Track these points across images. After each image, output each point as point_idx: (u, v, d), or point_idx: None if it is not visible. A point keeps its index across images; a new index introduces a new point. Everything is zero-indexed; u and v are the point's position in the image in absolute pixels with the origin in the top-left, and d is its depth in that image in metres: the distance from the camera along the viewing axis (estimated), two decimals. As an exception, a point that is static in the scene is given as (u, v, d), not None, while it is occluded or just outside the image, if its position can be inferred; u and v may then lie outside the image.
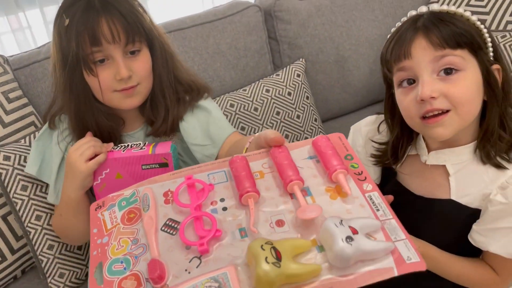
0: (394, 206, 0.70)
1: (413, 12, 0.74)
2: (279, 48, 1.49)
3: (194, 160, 0.96)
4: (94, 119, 0.87)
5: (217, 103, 1.30)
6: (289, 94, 1.36)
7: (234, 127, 1.29)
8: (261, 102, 1.33)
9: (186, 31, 1.35)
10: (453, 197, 0.75)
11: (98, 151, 0.84)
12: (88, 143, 0.84)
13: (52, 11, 1.61)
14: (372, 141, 0.86)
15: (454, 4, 1.48)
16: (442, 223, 0.77)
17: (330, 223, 0.46)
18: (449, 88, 0.68)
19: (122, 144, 0.88)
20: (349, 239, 0.45)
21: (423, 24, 0.69)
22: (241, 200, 0.54)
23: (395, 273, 0.44)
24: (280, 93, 1.35)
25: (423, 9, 0.73)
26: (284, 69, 1.41)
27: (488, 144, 0.71)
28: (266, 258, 0.43)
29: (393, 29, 0.76)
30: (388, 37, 0.76)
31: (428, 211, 0.78)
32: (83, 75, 0.82)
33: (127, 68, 0.81)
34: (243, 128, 1.30)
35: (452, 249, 0.78)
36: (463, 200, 0.74)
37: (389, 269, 0.45)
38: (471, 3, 1.43)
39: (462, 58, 0.68)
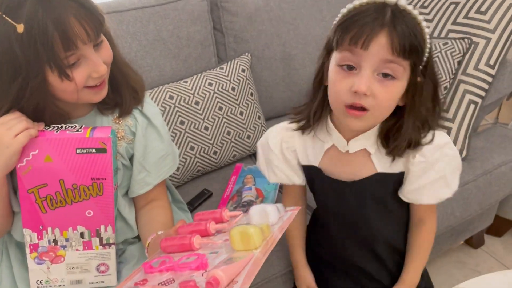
0: (332, 199, 0.86)
1: None
2: (225, 41, 1.42)
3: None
4: (48, 114, 0.78)
5: (155, 94, 1.21)
6: (233, 89, 1.30)
7: (173, 120, 1.21)
8: (203, 95, 1.25)
9: (124, 14, 1.24)
10: (379, 171, 0.81)
11: (30, 126, 0.74)
12: (19, 118, 0.74)
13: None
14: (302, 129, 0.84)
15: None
16: (378, 196, 0.83)
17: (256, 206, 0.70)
18: (380, 91, 0.70)
19: (56, 125, 0.79)
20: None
21: (389, 22, 0.68)
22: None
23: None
24: (224, 87, 1.29)
25: (392, 0, 0.70)
26: (229, 62, 1.34)
27: (390, 142, 0.78)
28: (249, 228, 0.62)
29: (356, 2, 0.72)
30: (348, 8, 0.73)
31: (363, 191, 0.83)
32: (45, 81, 0.72)
33: (102, 63, 0.74)
34: (182, 122, 1.22)
35: (395, 212, 0.87)
36: (388, 170, 0.81)
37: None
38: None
39: (403, 69, 0.70)
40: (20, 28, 0.66)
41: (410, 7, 0.70)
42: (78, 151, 0.76)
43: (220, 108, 1.27)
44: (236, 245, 0.62)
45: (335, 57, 0.74)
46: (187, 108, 1.22)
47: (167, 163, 0.90)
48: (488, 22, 1.31)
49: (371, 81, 0.69)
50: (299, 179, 0.89)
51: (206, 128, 1.25)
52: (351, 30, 0.69)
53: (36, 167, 0.76)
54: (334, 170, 0.84)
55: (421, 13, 0.71)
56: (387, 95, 0.71)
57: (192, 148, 1.23)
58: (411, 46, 0.68)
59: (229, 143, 1.29)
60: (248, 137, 1.33)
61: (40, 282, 0.82)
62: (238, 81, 1.32)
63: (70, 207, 0.79)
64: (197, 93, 1.24)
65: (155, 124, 0.88)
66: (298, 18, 1.49)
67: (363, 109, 0.71)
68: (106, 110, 0.85)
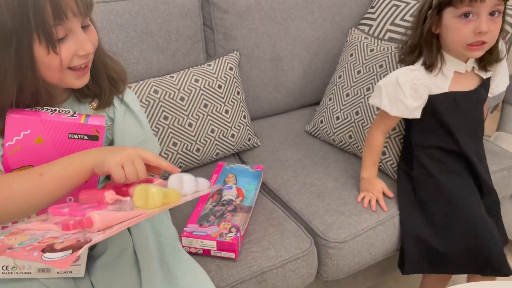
0: (456, 112, 1.11)
1: None
2: (214, 38, 1.41)
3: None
4: (31, 96, 0.76)
5: (140, 87, 1.20)
6: (220, 87, 1.29)
7: (157, 115, 1.20)
8: (189, 91, 1.24)
9: (113, 5, 1.22)
10: (484, 77, 1.13)
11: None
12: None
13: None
14: (428, 69, 1.08)
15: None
16: (484, 98, 1.17)
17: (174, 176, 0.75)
18: (493, 26, 0.99)
19: (50, 108, 0.78)
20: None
21: None
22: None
23: None
24: (210, 84, 1.28)
25: None
26: (217, 60, 1.33)
27: (485, 60, 1.10)
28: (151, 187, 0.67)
29: None
30: None
31: (479, 96, 1.13)
32: (33, 52, 0.71)
33: (90, 42, 0.74)
34: (166, 118, 1.20)
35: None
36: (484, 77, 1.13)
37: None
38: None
39: (502, 6, 0.99)
40: None
41: None
42: (70, 135, 0.76)
43: (205, 105, 1.26)
44: (137, 202, 0.67)
45: (451, 11, 1.00)
46: (172, 103, 1.21)
47: (147, 147, 0.88)
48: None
49: (488, 22, 0.97)
50: (418, 112, 1.10)
51: (190, 125, 1.24)
52: None
53: (25, 147, 0.75)
54: (458, 88, 1.10)
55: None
56: (497, 28, 1.00)
57: (174, 144, 1.22)
58: None
59: (212, 141, 1.28)
60: (232, 135, 1.32)
61: (6, 268, 0.79)
62: (225, 79, 1.31)
63: None
64: (183, 89, 1.23)
65: (133, 109, 0.88)
66: (289, 19, 1.48)
67: (483, 42, 0.99)
68: (84, 98, 0.85)
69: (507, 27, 1.30)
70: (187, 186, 0.74)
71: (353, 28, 1.52)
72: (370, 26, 1.54)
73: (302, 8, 1.50)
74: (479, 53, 1.03)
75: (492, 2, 0.95)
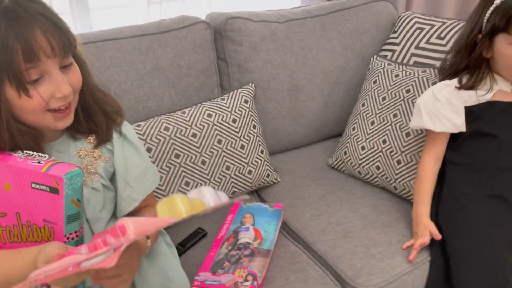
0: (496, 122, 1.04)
1: None
2: (228, 71, 1.36)
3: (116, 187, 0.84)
4: (12, 138, 0.72)
5: (150, 125, 1.14)
6: (234, 121, 1.22)
7: (168, 153, 1.13)
8: (201, 127, 1.17)
9: (122, 42, 1.19)
10: None
11: None
12: None
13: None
14: (463, 87, 1.05)
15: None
16: None
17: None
18: None
19: (28, 152, 0.72)
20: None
21: None
22: None
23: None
24: (224, 119, 1.21)
25: None
26: (231, 93, 1.27)
27: None
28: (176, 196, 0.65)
29: (499, 1, 0.95)
30: (493, 6, 0.97)
31: None
32: (5, 95, 0.68)
33: (68, 84, 0.71)
34: (177, 156, 1.14)
35: None
36: None
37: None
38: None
39: None
40: None
41: None
42: (33, 185, 0.68)
43: (219, 141, 1.19)
44: (162, 215, 0.63)
45: (505, 38, 0.97)
46: (183, 140, 1.15)
47: (148, 177, 0.88)
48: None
49: None
50: (461, 123, 1.04)
51: (203, 162, 1.17)
52: None
53: None
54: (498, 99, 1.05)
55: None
56: None
57: (187, 184, 1.15)
58: None
59: (228, 178, 1.20)
60: (250, 172, 1.24)
61: None
62: (240, 113, 1.24)
63: (25, 245, 0.70)
64: (195, 125, 1.17)
65: (131, 139, 0.86)
66: (306, 48, 1.42)
67: None
68: (79, 135, 0.81)
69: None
70: (209, 199, 0.69)
71: (375, 56, 1.44)
72: (394, 51, 1.46)
73: (320, 36, 1.44)
74: None
75: None
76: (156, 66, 1.22)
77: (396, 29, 1.49)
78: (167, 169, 1.13)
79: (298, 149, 1.51)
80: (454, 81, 1.07)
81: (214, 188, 0.76)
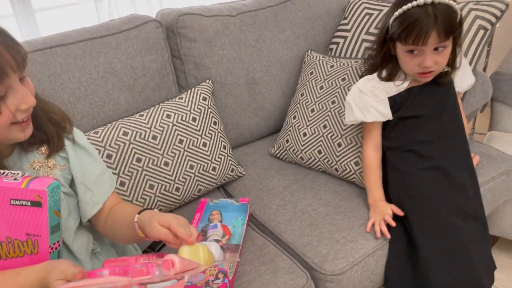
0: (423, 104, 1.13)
1: (421, 1, 0.98)
2: (184, 68, 1.35)
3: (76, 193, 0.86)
4: None
5: (108, 130, 1.12)
6: (194, 119, 1.22)
7: (129, 158, 1.12)
8: (161, 129, 1.17)
9: (71, 47, 1.16)
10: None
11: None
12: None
13: None
14: (383, 79, 1.14)
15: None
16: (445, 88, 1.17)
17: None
18: (439, 59, 1.04)
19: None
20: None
21: (435, 22, 0.98)
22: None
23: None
24: (183, 118, 1.21)
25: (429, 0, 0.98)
26: (188, 92, 1.27)
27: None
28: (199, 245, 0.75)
29: (401, 9, 1.02)
30: (395, 14, 1.03)
31: (439, 86, 1.14)
32: None
33: (30, 95, 0.72)
34: (139, 160, 1.13)
35: None
36: None
37: None
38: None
39: (449, 41, 1.04)
40: None
41: (445, 0, 0.98)
42: (12, 202, 0.69)
43: (181, 141, 1.19)
44: (183, 255, 0.71)
45: (401, 46, 1.06)
46: (144, 143, 1.14)
47: (106, 180, 0.90)
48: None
49: (432, 56, 1.03)
50: (388, 112, 1.13)
51: (166, 164, 1.16)
52: (412, 36, 1.00)
53: None
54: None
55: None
56: (444, 58, 1.06)
57: (151, 187, 1.14)
58: (452, 31, 1.01)
59: (192, 177, 1.21)
60: (214, 169, 1.25)
61: None
62: (199, 111, 1.24)
63: (5, 262, 0.72)
64: (154, 127, 1.16)
65: (83, 145, 0.87)
66: (261, 40, 1.43)
67: (430, 71, 1.06)
68: (30, 146, 0.81)
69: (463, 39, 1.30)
70: (216, 252, 0.81)
71: (309, 50, 1.49)
72: (345, 37, 1.49)
73: (273, 27, 1.45)
74: (429, 79, 1.10)
75: (434, 42, 1.00)
76: (109, 69, 1.19)
77: (346, 15, 1.53)
78: (130, 174, 1.12)
79: (260, 140, 1.53)
80: (374, 75, 1.15)
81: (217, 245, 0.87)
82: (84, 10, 1.58)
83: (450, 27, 1.00)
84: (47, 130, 0.81)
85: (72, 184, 0.85)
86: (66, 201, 0.83)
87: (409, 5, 1.00)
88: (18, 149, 0.80)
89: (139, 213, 0.80)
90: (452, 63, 1.12)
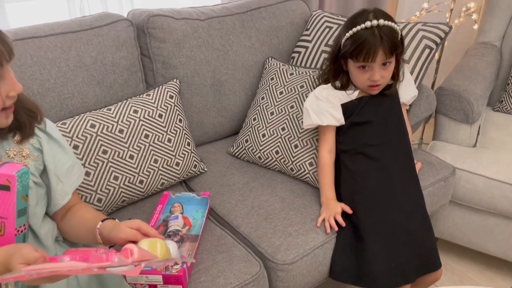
0: (372, 113, 1.26)
1: (369, 23, 1.14)
2: (153, 67, 1.41)
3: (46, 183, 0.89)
4: None
5: (76, 122, 1.16)
6: (160, 116, 1.28)
7: (95, 150, 1.17)
8: (128, 123, 1.22)
9: (43, 40, 1.19)
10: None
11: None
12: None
13: None
14: (337, 88, 1.28)
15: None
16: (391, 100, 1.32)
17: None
18: (385, 73, 1.20)
19: None
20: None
21: (381, 42, 1.13)
22: None
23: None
24: (150, 114, 1.27)
25: (375, 23, 1.14)
26: (156, 89, 1.32)
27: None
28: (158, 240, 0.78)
29: (351, 31, 1.16)
30: (346, 35, 1.18)
31: (384, 98, 1.28)
32: None
33: (18, 82, 0.77)
34: (105, 152, 1.18)
35: None
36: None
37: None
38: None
39: (393, 57, 1.19)
40: None
41: (387, 22, 1.14)
42: None
43: (146, 136, 1.25)
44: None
45: (353, 63, 1.20)
46: (110, 136, 1.19)
47: (75, 172, 0.95)
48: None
49: (380, 71, 1.18)
50: (341, 117, 1.25)
51: (131, 157, 1.22)
52: (362, 54, 1.15)
53: None
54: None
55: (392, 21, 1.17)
56: (389, 72, 1.21)
57: (116, 178, 1.19)
58: (395, 48, 1.16)
59: (156, 171, 1.27)
60: (177, 164, 1.31)
61: None
62: (165, 108, 1.30)
63: None
64: (121, 121, 1.21)
65: (55, 137, 0.92)
66: (227, 44, 1.51)
67: (378, 84, 1.21)
68: (5, 134, 0.84)
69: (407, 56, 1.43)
70: (173, 251, 0.81)
71: (270, 58, 1.58)
72: (306, 48, 1.59)
73: (239, 34, 1.54)
74: (377, 91, 1.24)
75: (381, 59, 1.16)
76: (79, 63, 1.24)
77: (308, 27, 1.63)
78: (95, 165, 1.17)
79: (223, 140, 1.61)
80: (329, 85, 1.28)
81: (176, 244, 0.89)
82: (55, 4, 1.60)
83: (394, 45, 1.15)
84: (20, 118, 0.84)
85: (42, 174, 0.89)
86: (36, 190, 0.86)
87: (358, 27, 1.15)
88: None
89: (102, 221, 0.85)
90: (396, 76, 1.26)
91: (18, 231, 0.76)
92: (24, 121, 0.85)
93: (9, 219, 0.74)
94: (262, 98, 1.47)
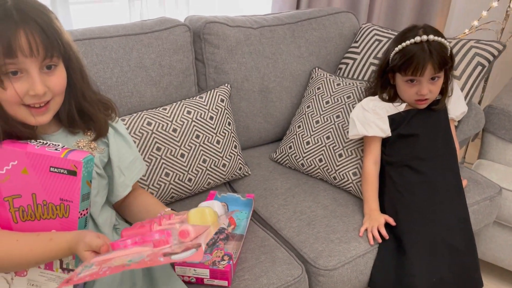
0: (419, 126, 1.27)
1: (418, 38, 1.16)
2: (205, 71, 1.47)
3: (109, 175, 0.95)
4: (4, 128, 0.80)
5: (133, 119, 1.23)
6: (211, 118, 1.33)
7: (150, 146, 1.23)
8: (181, 123, 1.28)
9: (108, 40, 1.27)
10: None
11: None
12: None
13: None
14: (384, 100, 1.30)
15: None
16: (440, 114, 1.33)
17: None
18: (433, 88, 1.22)
19: (41, 141, 0.82)
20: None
21: (430, 57, 1.15)
22: None
23: None
24: (202, 116, 1.32)
25: (425, 37, 1.16)
26: (208, 92, 1.38)
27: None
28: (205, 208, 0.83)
29: (401, 46, 1.20)
30: (395, 49, 1.21)
31: (433, 112, 1.29)
32: None
33: (43, 84, 0.77)
34: (158, 149, 1.24)
35: None
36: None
37: None
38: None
39: (442, 72, 1.21)
40: None
41: (437, 38, 1.16)
42: (51, 169, 0.78)
43: (197, 136, 1.30)
44: (192, 221, 0.80)
45: (401, 77, 1.22)
46: (165, 134, 1.25)
47: (136, 166, 1.00)
48: (455, 68, 1.40)
49: (428, 86, 1.20)
50: (387, 128, 1.26)
51: (182, 155, 1.27)
52: (411, 68, 1.17)
53: (13, 177, 0.78)
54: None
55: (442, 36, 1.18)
56: (437, 87, 1.23)
57: (167, 175, 1.25)
58: (444, 63, 1.18)
59: (204, 170, 1.31)
60: (224, 165, 1.36)
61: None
62: (216, 111, 1.35)
63: (38, 222, 0.80)
64: (175, 121, 1.27)
65: (121, 132, 0.97)
66: (277, 53, 1.55)
67: (426, 99, 1.22)
68: (76, 129, 0.90)
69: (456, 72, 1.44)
70: (218, 209, 0.87)
71: (317, 68, 1.61)
72: (355, 59, 1.61)
73: (290, 43, 1.58)
74: (424, 106, 1.26)
75: (430, 73, 1.18)
76: (139, 64, 1.31)
77: (357, 39, 1.65)
78: (149, 161, 1.23)
79: (267, 145, 1.64)
80: (376, 97, 1.30)
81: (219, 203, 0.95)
82: (117, 7, 1.70)
83: (443, 60, 1.17)
84: (97, 120, 0.90)
85: (106, 166, 0.94)
86: (98, 181, 0.91)
87: (408, 42, 1.18)
88: (63, 130, 0.89)
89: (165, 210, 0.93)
90: (445, 92, 1.26)
91: (81, 214, 0.81)
92: (100, 123, 0.91)
93: (74, 202, 0.79)
94: (308, 107, 1.50)
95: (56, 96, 0.81)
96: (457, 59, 1.43)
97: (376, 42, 1.59)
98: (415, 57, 1.16)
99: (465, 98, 1.42)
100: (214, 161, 1.33)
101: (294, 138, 1.48)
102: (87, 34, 1.25)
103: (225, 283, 1.01)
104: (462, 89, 1.42)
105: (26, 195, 0.78)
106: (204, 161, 1.31)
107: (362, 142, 1.34)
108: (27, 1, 0.76)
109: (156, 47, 1.33)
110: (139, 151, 1.21)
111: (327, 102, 1.47)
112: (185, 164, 1.28)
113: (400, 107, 1.27)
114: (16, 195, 0.78)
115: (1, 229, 0.80)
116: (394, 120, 1.27)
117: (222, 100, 1.38)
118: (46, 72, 0.78)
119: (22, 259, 0.77)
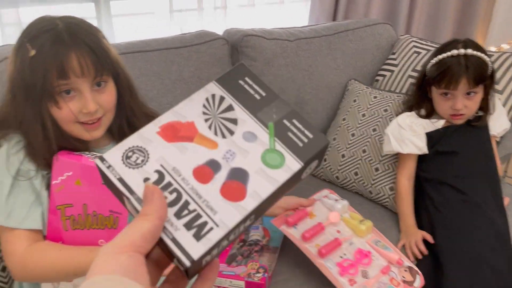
0: (457, 143, 1.24)
1: (455, 52, 1.15)
2: (242, 83, 1.49)
3: None
4: (59, 142, 0.85)
5: (173, 130, 1.26)
6: (247, 130, 1.35)
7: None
8: (218, 135, 1.30)
9: (150, 54, 1.31)
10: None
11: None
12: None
13: (7, 14, 1.52)
14: (421, 117, 1.28)
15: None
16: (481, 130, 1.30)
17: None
18: (469, 103, 1.19)
19: (95, 153, 0.86)
20: None
21: (465, 70, 1.13)
22: None
23: None
24: (238, 128, 1.34)
25: (462, 51, 1.15)
26: (245, 104, 1.40)
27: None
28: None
29: (437, 58, 1.19)
30: (432, 61, 1.21)
31: (474, 128, 1.26)
32: (46, 106, 0.81)
33: (94, 102, 0.82)
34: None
35: None
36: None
37: None
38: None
39: (480, 88, 1.18)
40: (32, 52, 0.77)
41: (475, 52, 1.14)
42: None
43: (234, 148, 1.32)
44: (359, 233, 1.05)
45: (436, 90, 1.21)
46: (202, 146, 1.28)
47: None
48: (497, 83, 1.37)
49: (463, 101, 1.17)
50: (423, 146, 1.24)
51: (219, 166, 1.29)
52: (444, 81, 1.17)
53: (67, 187, 0.82)
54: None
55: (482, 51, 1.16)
56: (475, 103, 1.20)
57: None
58: (481, 79, 1.15)
59: (240, 181, 1.33)
60: (259, 177, 1.37)
61: None
62: (252, 123, 1.37)
63: (87, 231, 0.84)
64: (213, 132, 1.30)
65: None
66: (314, 65, 1.56)
67: (461, 114, 1.19)
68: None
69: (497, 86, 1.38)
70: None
71: (353, 80, 1.60)
72: (392, 71, 1.60)
73: (326, 55, 1.58)
74: (461, 121, 1.23)
75: (464, 88, 1.15)
76: (179, 77, 1.35)
77: (394, 51, 1.64)
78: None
79: (301, 157, 1.65)
80: (413, 113, 1.28)
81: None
82: (158, 20, 1.75)
83: (480, 75, 1.14)
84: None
85: None
86: None
87: (444, 54, 1.17)
88: (114, 144, 0.91)
89: None
90: (486, 109, 1.23)
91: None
92: None
93: (123, 214, 0.83)
94: (344, 119, 1.50)
95: (107, 113, 0.86)
96: (499, 72, 1.39)
97: (415, 54, 1.57)
98: (449, 70, 1.15)
99: (508, 113, 1.38)
100: (249, 173, 1.35)
101: (329, 150, 1.48)
102: (130, 48, 1.30)
103: (260, 295, 1.02)
104: (504, 104, 1.38)
105: (77, 205, 0.82)
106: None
107: (398, 156, 1.33)
108: (77, 23, 0.81)
109: (195, 60, 1.37)
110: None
111: (363, 115, 1.46)
112: (222, 175, 1.30)
113: (438, 124, 1.25)
114: (68, 204, 0.82)
115: (48, 241, 0.84)
116: (432, 137, 1.24)
117: (258, 112, 1.40)
118: (97, 90, 0.83)
119: (65, 268, 0.80)
